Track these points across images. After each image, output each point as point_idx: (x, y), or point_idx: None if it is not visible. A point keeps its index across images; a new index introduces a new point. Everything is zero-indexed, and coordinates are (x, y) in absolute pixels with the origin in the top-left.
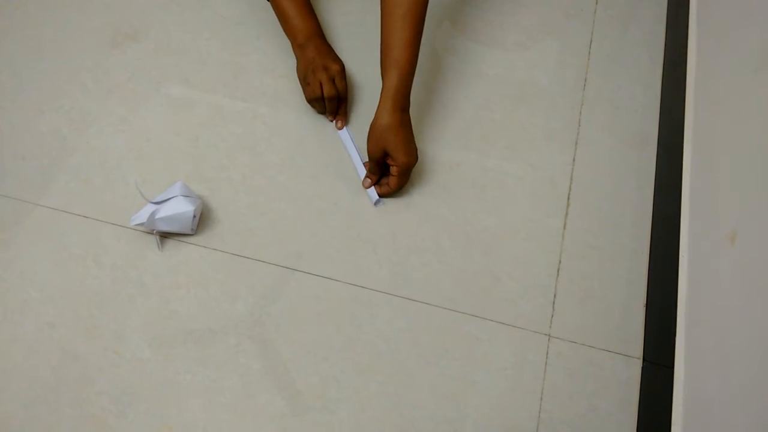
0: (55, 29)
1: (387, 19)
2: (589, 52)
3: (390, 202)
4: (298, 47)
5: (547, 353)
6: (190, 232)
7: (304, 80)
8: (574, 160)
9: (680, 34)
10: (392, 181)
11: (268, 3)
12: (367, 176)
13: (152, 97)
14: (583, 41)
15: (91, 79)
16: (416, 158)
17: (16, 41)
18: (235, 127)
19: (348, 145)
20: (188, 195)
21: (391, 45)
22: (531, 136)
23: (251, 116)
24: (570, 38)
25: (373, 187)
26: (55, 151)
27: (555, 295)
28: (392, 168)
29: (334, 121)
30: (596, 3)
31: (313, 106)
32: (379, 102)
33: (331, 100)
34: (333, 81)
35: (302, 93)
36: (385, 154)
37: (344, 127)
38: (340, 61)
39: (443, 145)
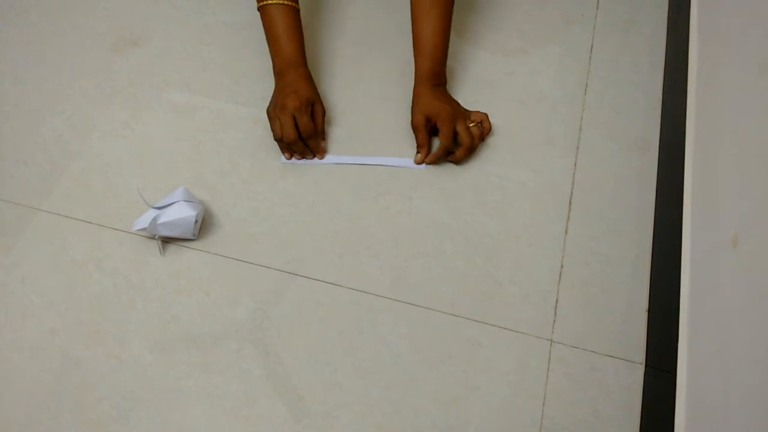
0: (58, 35)
1: (415, 8)
2: (590, 57)
3: (392, 205)
4: (276, 74)
5: (549, 358)
6: (192, 237)
7: (271, 113)
8: (575, 164)
9: (681, 38)
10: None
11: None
12: (418, 151)
13: (154, 102)
14: (584, 46)
15: (93, 84)
16: (461, 113)
17: (19, 47)
18: (236, 133)
19: (367, 161)
20: (190, 200)
21: (419, 33)
22: (532, 141)
23: (253, 121)
24: (571, 43)
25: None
26: (56, 157)
27: (557, 300)
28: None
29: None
30: (597, 8)
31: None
32: (414, 84)
33: (293, 143)
34: (295, 122)
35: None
36: (428, 120)
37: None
38: (309, 95)
39: None
